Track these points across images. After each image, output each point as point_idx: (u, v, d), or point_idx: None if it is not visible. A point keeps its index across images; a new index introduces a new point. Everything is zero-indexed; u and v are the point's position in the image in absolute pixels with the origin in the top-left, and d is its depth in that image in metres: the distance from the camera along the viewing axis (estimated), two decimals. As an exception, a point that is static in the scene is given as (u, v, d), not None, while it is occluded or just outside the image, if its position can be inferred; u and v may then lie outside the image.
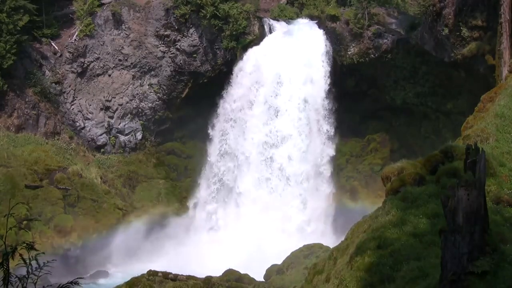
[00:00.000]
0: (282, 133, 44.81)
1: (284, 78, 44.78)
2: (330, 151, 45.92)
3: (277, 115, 44.82)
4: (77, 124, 48.06)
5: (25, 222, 37.25)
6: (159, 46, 48.38)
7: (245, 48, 46.41)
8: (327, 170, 45.87)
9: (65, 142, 46.26)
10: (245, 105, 45.64)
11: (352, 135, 48.54)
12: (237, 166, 45.69)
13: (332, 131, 45.77)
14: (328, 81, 45.37)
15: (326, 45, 45.93)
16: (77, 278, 7.38)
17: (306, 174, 44.94)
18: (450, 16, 38.75)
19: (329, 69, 45.57)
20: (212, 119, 46.78)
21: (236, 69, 46.19)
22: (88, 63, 48.04)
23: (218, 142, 46.65)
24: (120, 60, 48.36)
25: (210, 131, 46.83)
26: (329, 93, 45.47)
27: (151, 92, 49.05)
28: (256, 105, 45.19)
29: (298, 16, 49.50)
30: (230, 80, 46.21)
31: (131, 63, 48.46)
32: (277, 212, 43.71)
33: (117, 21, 48.11)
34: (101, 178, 45.15)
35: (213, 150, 46.83)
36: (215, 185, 46.72)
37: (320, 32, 46.30)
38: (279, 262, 34.09)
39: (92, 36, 47.82)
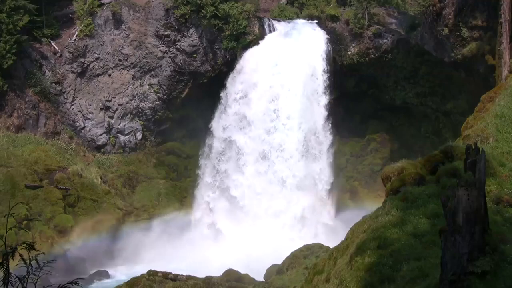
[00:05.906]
0: (281, 133, 44.77)
1: (284, 78, 44.74)
2: (329, 149, 45.92)
3: (277, 115, 44.78)
4: (77, 124, 48.05)
5: (25, 222, 37.23)
6: (159, 46, 48.37)
7: (245, 48, 46.40)
8: (326, 169, 45.87)
9: (65, 142, 46.23)
10: (245, 104, 45.61)
11: (352, 135, 48.51)
12: (237, 166, 45.69)
13: (330, 129, 45.76)
14: (328, 81, 45.33)
15: (326, 45, 45.90)
16: (77, 278, 7.38)
17: (305, 174, 44.92)
18: (450, 16, 38.74)
19: (329, 69, 45.54)
20: (213, 116, 46.70)
21: (235, 69, 46.17)
22: (88, 63, 48.04)
23: (219, 141, 46.60)
24: (120, 60, 48.35)
25: (211, 128, 46.68)
26: (328, 93, 45.44)
27: (151, 92, 49.02)
28: (256, 105, 45.16)
29: (298, 16, 49.50)
30: (230, 80, 46.18)
31: (131, 63, 48.44)
32: (277, 212, 43.70)
33: (117, 21, 48.11)
34: (101, 178, 45.11)
35: (214, 150, 46.80)
36: (215, 185, 46.71)
37: (321, 32, 46.27)
38: (279, 262, 34.08)
39: (92, 36, 47.81)
